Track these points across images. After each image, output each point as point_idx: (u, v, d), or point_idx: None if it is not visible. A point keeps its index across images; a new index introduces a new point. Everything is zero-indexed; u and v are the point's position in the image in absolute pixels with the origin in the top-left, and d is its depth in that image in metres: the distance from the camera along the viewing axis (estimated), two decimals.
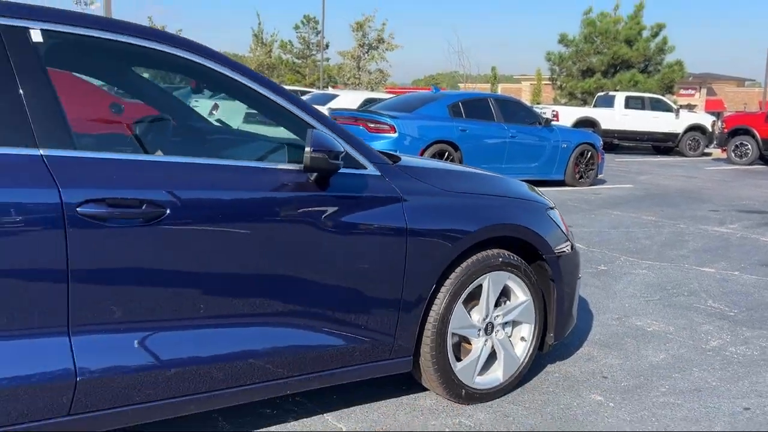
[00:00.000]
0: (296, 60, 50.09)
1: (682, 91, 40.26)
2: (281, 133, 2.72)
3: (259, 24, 52.58)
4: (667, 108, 21.56)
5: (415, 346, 2.81)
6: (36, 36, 2.13)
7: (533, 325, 3.14)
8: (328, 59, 48.57)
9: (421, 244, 2.71)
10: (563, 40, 29.43)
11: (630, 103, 21.27)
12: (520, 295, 3.07)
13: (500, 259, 2.95)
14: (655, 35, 28.23)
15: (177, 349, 2.27)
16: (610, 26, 28.19)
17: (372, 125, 10.08)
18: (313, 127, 2.53)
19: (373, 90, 36.38)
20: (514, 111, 11.46)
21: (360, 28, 42.42)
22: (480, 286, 2.93)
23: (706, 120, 22.16)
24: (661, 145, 21.54)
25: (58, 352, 2.04)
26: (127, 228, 2.12)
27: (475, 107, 10.87)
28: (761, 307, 4.71)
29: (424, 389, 3.07)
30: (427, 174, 2.90)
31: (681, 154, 21.15)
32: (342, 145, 2.51)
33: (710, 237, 7.32)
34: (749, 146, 18.78)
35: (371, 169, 2.68)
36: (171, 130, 2.94)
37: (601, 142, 12.26)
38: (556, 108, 21.17)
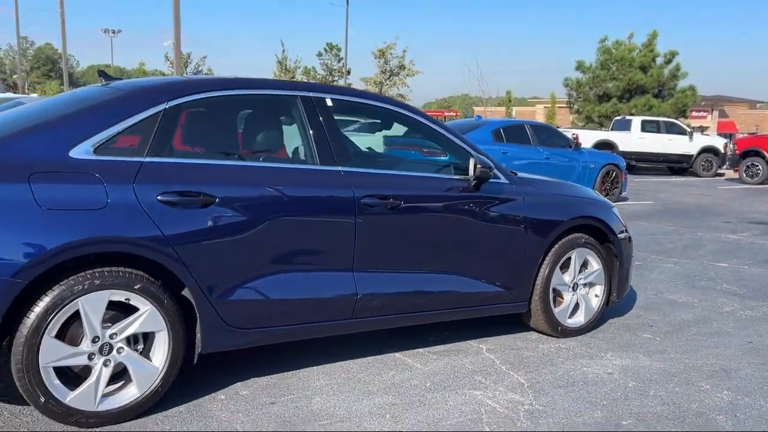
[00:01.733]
0: None
1: (694, 114, 41.51)
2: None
3: (283, 51, 54.46)
4: (681, 131, 22.98)
5: (529, 296, 4.30)
6: (329, 102, 3.68)
7: (603, 287, 4.62)
8: (350, 85, 50.43)
9: (534, 228, 4.21)
10: (580, 66, 31.03)
11: (646, 126, 22.71)
12: (595, 265, 4.56)
13: (583, 240, 4.45)
14: (668, 62, 29.77)
15: (401, 285, 3.76)
16: (625, 54, 29.75)
17: (425, 150, 11.60)
18: (471, 154, 4.04)
19: None
20: (548, 136, 12.98)
21: (382, 56, 44.32)
22: (570, 258, 4.42)
23: (719, 142, 23.54)
24: (676, 166, 22.94)
25: (348, 281, 3.55)
26: (383, 213, 3.63)
27: (514, 133, 12.39)
28: (765, 288, 6.14)
29: (528, 330, 4.54)
30: (535, 182, 4.41)
31: (695, 174, 22.52)
32: (490, 164, 4.03)
33: (724, 242, 8.75)
34: (760, 167, 20.16)
35: (503, 179, 4.19)
36: (398, 157, 4.51)
37: (625, 163, 13.73)
38: (576, 131, 22.66)
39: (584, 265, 4.54)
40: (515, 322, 4.56)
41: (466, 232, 4.00)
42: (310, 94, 3.67)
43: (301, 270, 3.46)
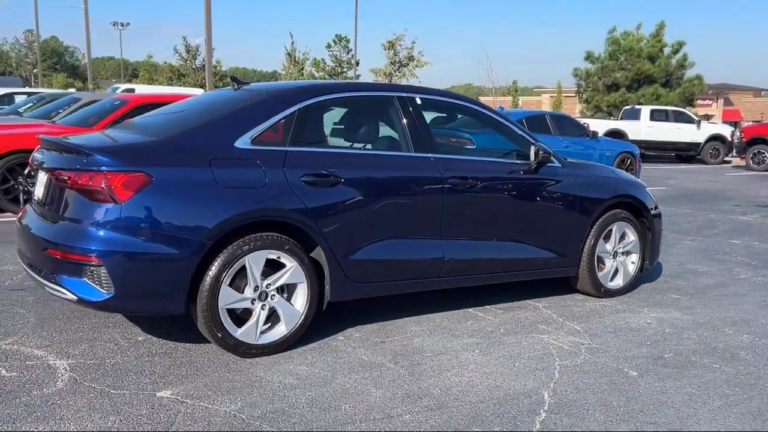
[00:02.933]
0: (328, 77, 52.63)
1: (699, 102, 42.11)
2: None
3: (292, 43, 55.11)
4: (689, 120, 23.73)
5: (578, 262, 5.12)
6: (419, 101, 4.49)
7: (639, 255, 5.44)
8: (359, 76, 51.10)
9: (583, 204, 5.03)
10: (589, 57, 31.71)
11: (655, 115, 23.45)
12: (632, 236, 5.38)
13: (622, 215, 5.27)
14: (675, 52, 30.45)
15: (477, 251, 4.59)
16: (634, 44, 30.43)
17: (453, 140, 12.41)
18: (532, 142, 4.85)
19: None
20: (567, 125, 13.78)
21: (392, 47, 45.00)
22: (611, 230, 5.24)
23: (726, 130, 24.28)
24: (684, 154, 23.70)
25: (437, 247, 4.38)
26: (464, 191, 4.44)
27: (535, 123, 13.17)
28: None
29: (573, 292, 5.36)
30: (582, 165, 5.23)
31: (703, 162, 23.28)
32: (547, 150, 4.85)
33: (735, 223, 9.56)
34: (766, 154, 20.92)
35: (557, 163, 5.00)
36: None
37: (639, 151, 14.52)
38: (587, 120, 23.41)
39: (622, 236, 5.36)
40: (561, 286, 5.39)
41: (529, 207, 4.82)
42: (404, 94, 4.49)
43: (402, 237, 4.28)
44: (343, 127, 4.49)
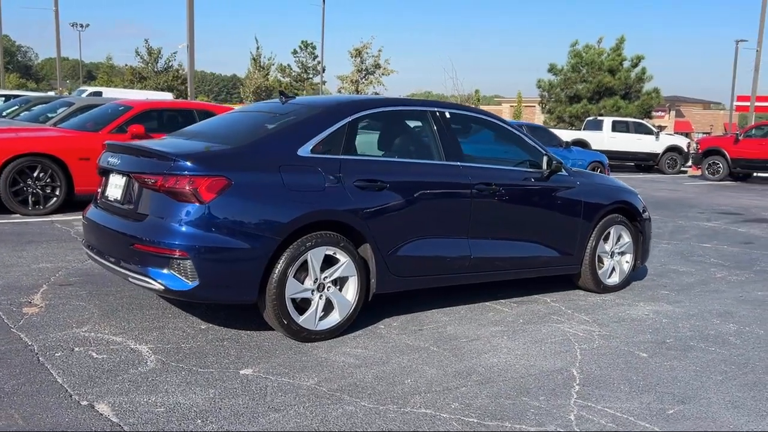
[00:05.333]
0: (294, 83, 52.93)
1: (652, 113, 43.79)
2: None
3: (258, 48, 55.15)
4: (648, 131, 24.88)
5: (581, 261, 5.71)
6: (448, 114, 5.03)
7: (632, 255, 6.07)
8: (325, 82, 51.59)
9: (587, 208, 5.62)
10: (552, 69, 32.81)
11: (616, 126, 24.52)
12: (626, 238, 6.00)
13: (618, 219, 5.89)
14: (634, 66, 31.75)
15: (498, 250, 5.14)
16: (595, 57, 31.63)
17: None
18: (544, 152, 5.43)
19: None
20: (542, 135, 14.51)
21: (358, 55, 45.63)
22: (609, 232, 5.85)
23: (683, 142, 25.52)
24: (643, 163, 24.81)
25: (465, 246, 4.91)
26: (488, 196, 4.98)
27: None
28: (743, 262, 7.68)
29: (574, 288, 5.95)
30: (585, 174, 5.83)
31: (661, 171, 24.41)
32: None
33: (703, 228, 10.34)
34: (720, 165, 22.09)
35: (564, 172, 5.58)
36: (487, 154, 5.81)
37: (608, 161, 15.35)
38: (552, 131, 24.34)
39: (618, 238, 5.97)
40: (564, 283, 5.97)
41: (541, 211, 5.40)
42: (435, 109, 5.03)
43: (436, 236, 4.80)
44: (385, 137, 5.00)
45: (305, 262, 4.19)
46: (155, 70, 52.04)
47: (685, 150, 24.99)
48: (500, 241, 5.18)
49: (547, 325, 4.92)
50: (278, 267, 4.08)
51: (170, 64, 52.60)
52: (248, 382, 3.60)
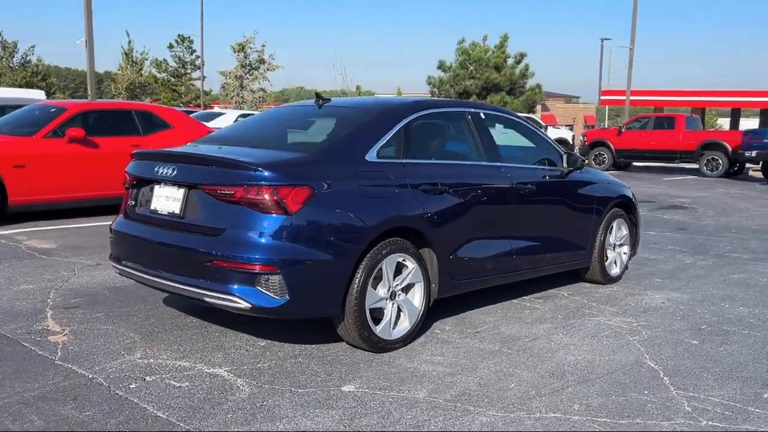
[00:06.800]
0: (171, 78, 50.78)
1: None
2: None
3: (129, 42, 52.40)
4: (537, 125, 26.09)
5: (592, 254, 5.91)
6: (482, 115, 5.04)
7: (629, 246, 6.35)
8: (204, 77, 49.86)
9: (598, 204, 5.83)
10: (441, 66, 33.61)
11: None
12: (624, 231, 6.28)
13: (620, 213, 6.15)
14: (518, 62, 33.16)
15: (534, 248, 5.22)
16: (482, 55, 32.73)
17: None
18: (560, 151, 5.57)
19: (255, 108, 39.07)
20: None
21: (242, 50, 44.45)
22: (612, 226, 6.09)
23: (568, 135, 27.07)
24: None
25: (507, 245, 4.94)
26: (524, 195, 5.05)
27: None
28: (698, 247, 8.25)
29: (577, 281, 6.15)
30: (590, 171, 6.04)
31: None
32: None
33: None
34: (606, 155, 23.64)
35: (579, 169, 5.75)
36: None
37: None
38: None
39: (619, 230, 6.24)
40: (566, 277, 6.15)
41: (565, 208, 5.53)
42: (474, 110, 5.02)
43: (485, 237, 4.79)
44: (435, 139, 4.92)
45: (380, 270, 4.05)
46: (10, 65, 48.16)
47: (571, 143, 26.50)
48: (534, 239, 5.27)
49: (586, 319, 5.05)
50: (358, 277, 3.92)
51: (27, 59, 48.86)
52: (361, 400, 3.44)
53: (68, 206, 8.94)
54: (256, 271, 3.63)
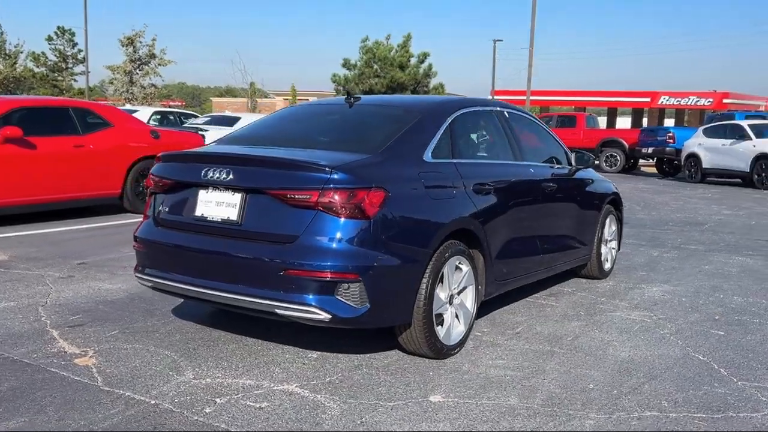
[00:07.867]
0: (51, 73, 47.64)
1: None
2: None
3: (1, 33, 48.64)
4: None
5: (592, 250, 6.02)
6: (507, 114, 5.00)
7: (617, 241, 6.54)
8: (89, 72, 47.12)
9: (598, 200, 5.95)
10: (346, 64, 33.47)
11: None
12: (613, 227, 6.45)
13: (612, 208, 6.31)
14: (421, 62, 33.58)
15: (556, 246, 5.26)
16: (386, 53, 32.88)
17: None
18: (565, 149, 5.63)
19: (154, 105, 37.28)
20: None
21: (131, 43, 42.35)
22: (605, 222, 6.24)
23: None
24: None
25: (536, 243, 4.95)
26: (548, 193, 5.08)
27: None
28: (656, 240, 8.63)
29: (572, 278, 6.26)
30: (590, 170, 6.15)
31: None
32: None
33: None
34: None
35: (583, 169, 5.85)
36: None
37: None
38: None
39: (610, 227, 6.41)
40: (560, 274, 6.24)
41: (575, 204, 5.60)
42: (500, 109, 4.98)
43: (521, 236, 4.76)
44: (474, 138, 4.82)
45: (442, 274, 3.91)
46: None
47: None
48: (555, 237, 5.31)
49: (606, 314, 5.12)
50: (425, 282, 3.76)
51: None
52: (459, 410, 3.29)
53: (1, 213, 8.11)
54: (336, 279, 3.39)
